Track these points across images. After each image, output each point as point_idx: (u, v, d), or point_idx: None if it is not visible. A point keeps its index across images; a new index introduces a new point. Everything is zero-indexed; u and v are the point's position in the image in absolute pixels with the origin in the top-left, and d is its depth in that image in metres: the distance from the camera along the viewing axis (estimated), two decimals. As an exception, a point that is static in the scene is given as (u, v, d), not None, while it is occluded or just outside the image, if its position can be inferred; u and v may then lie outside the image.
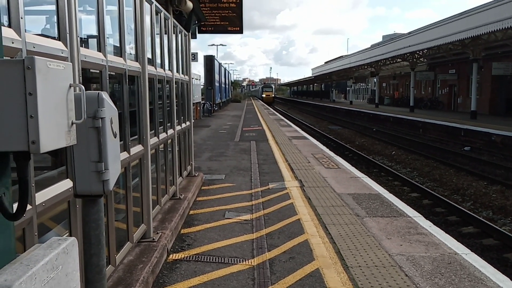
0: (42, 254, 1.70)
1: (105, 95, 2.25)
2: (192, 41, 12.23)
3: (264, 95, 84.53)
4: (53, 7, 3.01)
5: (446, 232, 6.08)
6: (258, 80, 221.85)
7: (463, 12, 24.37)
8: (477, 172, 13.99)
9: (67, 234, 3.19)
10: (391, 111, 36.10)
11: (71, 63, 2.09)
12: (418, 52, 33.47)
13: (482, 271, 4.54)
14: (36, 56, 1.58)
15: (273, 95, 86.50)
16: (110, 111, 2.31)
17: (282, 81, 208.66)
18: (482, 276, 4.42)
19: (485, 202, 10.81)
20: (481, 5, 22.49)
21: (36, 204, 2.57)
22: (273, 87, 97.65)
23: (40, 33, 3.42)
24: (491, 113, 31.30)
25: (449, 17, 26.15)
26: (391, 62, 42.15)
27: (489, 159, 16.53)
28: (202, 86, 39.78)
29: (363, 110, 41.35)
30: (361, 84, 75.60)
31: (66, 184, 3.00)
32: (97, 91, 2.23)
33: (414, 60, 36.54)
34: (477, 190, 11.89)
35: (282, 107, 71.63)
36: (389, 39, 44.27)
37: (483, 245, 8.01)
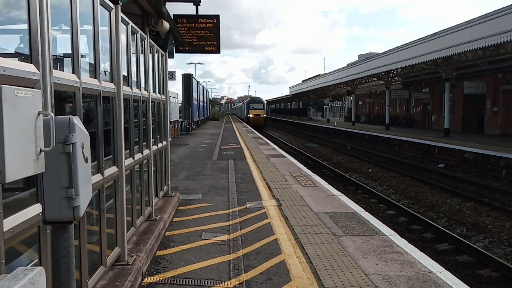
0: (7, 285, 1.66)
1: (76, 120, 2.23)
2: (171, 59, 12.25)
3: (251, 115, 56.77)
4: (27, 26, 2.98)
5: (421, 250, 6.17)
6: (236, 98, 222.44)
7: (435, 33, 25.12)
8: (451, 189, 14.27)
9: (37, 259, 3.10)
10: (367, 129, 36.66)
11: (40, 90, 2.06)
12: (392, 71, 34.24)
13: (456, 290, 4.59)
14: (3, 85, 1.56)
15: (264, 115, 57.76)
16: (81, 136, 2.28)
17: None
18: (455, 295, 4.48)
19: (459, 219, 11.00)
20: (452, 27, 23.26)
21: (4, 230, 2.49)
22: (264, 103, 63.05)
23: (14, 51, 3.38)
24: (464, 131, 32.09)
25: (422, 38, 26.91)
26: (367, 80, 42.95)
27: (463, 176, 16.89)
28: (180, 104, 39.68)
29: (340, 128, 41.86)
30: (338, 102, 76.68)
31: (36, 209, 2.92)
32: (68, 116, 2.20)
33: (389, 79, 37.34)
34: (452, 207, 12.10)
35: (260, 124, 71.24)
36: (365, 58, 45.23)
37: (457, 262, 8.12)
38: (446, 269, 5.33)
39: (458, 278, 5.02)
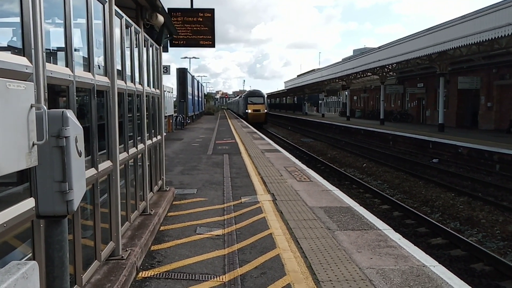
0: (0, 279, 1.64)
1: (69, 114, 2.21)
2: (166, 54, 12.19)
3: (249, 110, 48.91)
4: (19, 19, 2.94)
5: (415, 244, 6.19)
6: (231, 93, 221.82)
7: (430, 28, 25.14)
8: (445, 184, 14.34)
9: (30, 254, 3.09)
10: (362, 124, 36.72)
11: (32, 83, 2.04)
12: (387, 66, 34.26)
13: (449, 283, 4.62)
14: (-6, 78, 1.54)
15: (265, 110, 50.10)
16: (75, 129, 2.26)
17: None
18: (449, 288, 4.50)
19: (453, 213, 11.07)
20: (446, 22, 23.28)
21: (-3, 225, 2.48)
22: (265, 96, 54.54)
23: (7, 45, 3.34)
24: (458, 126, 32.24)
25: (417, 33, 26.93)
26: (362, 75, 42.97)
27: (456, 171, 16.98)
28: (174, 99, 39.56)
29: (334, 123, 41.91)
30: (333, 97, 76.72)
31: (29, 203, 2.90)
32: (61, 110, 2.18)
33: (384, 74, 37.37)
34: (445, 202, 12.17)
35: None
36: (360, 53, 45.23)
37: (451, 256, 8.18)
38: (439, 263, 5.36)
39: (452, 272, 5.05)
